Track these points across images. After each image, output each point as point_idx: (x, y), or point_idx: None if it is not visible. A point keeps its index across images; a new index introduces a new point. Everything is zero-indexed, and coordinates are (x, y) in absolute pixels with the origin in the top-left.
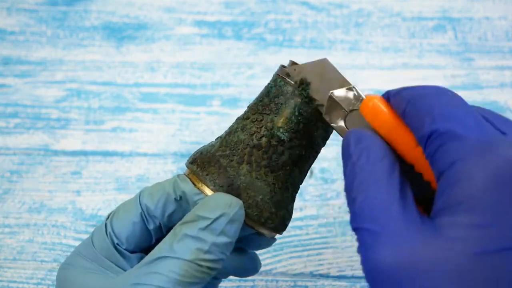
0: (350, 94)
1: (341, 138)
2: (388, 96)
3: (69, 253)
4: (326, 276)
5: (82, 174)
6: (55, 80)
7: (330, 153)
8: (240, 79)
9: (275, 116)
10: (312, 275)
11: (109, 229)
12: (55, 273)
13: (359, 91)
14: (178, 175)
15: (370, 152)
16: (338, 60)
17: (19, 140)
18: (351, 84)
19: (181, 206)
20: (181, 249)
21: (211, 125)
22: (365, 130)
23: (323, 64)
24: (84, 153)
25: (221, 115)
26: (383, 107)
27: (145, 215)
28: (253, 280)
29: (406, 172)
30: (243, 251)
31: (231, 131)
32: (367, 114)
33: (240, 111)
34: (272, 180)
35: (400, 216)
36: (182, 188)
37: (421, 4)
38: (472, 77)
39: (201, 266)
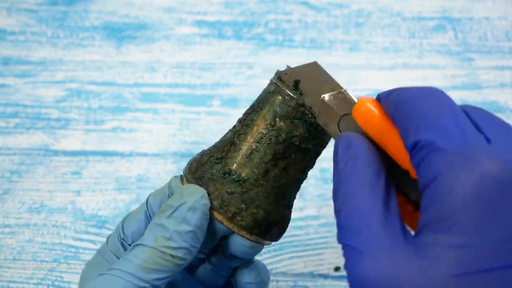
0: (342, 98)
1: None
2: (380, 99)
3: (69, 253)
4: (326, 276)
5: (82, 174)
6: (55, 80)
7: (330, 153)
8: (240, 79)
9: (255, 114)
10: (312, 275)
11: (119, 227)
12: (55, 273)
13: (350, 94)
14: (175, 176)
15: (356, 160)
16: (338, 60)
17: (19, 140)
18: (342, 88)
19: None
20: (148, 237)
21: (211, 125)
22: (355, 136)
23: (314, 68)
24: (84, 153)
25: (221, 115)
26: (375, 110)
27: (149, 213)
28: None
29: (400, 176)
30: (247, 265)
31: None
32: (359, 118)
33: (240, 111)
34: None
35: (383, 232)
36: (172, 185)
37: (421, 4)
38: (472, 77)
39: (163, 253)
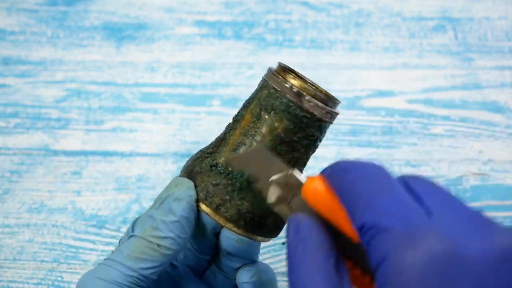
0: (290, 179)
1: (341, 138)
2: (327, 176)
3: (69, 253)
4: None
5: (82, 174)
6: (55, 80)
7: (330, 153)
8: (240, 79)
9: (244, 110)
10: None
11: (129, 228)
12: (55, 273)
13: (298, 175)
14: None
15: (305, 244)
16: (338, 60)
17: (19, 140)
18: (289, 169)
19: None
20: (138, 228)
21: (211, 125)
22: (303, 218)
23: (260, 152)
24: (84, 153)
25: (221, 115)
26: (322, 190)
27: None
28: None
29: (352, 247)
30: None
31: None
32: (309, 199)
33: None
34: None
35: None
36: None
37: (421, 4)
38: (472, 77)
39: (150, 242)
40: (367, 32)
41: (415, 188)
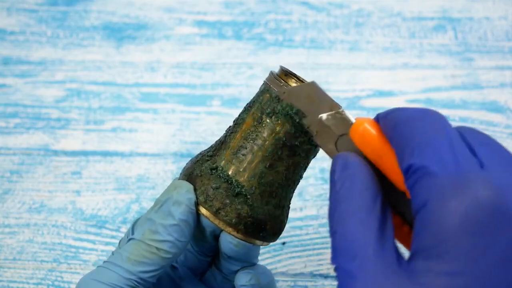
0: (340, 118)
1: None
2: (378, 119)
3: (69, 253)
4: (326, 276)
5: (82, 174)
6: (55, 80)
7: None
8: (240, 79)
9: (245, 113)
10: (312, 275)
11: (129, 230)
12: (55, 273)
13: (348, 114)
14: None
15: (353, 181)
16: (338, 60)
17: (19, 140)
18: (340, 107)
19: None
20: (137, 231)
21: (211, 125)
22: (351, 156)
23: (312, 87)
24: (84, 153)
25: (221, 115)
26: (372, 131)
27: None
28: None
29: (397, 197)
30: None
31: None
32: (357, 139)
33: (240, 111)
34: None
35: (376, 258)
36: None
37: (421, 4)
38: (472, 77)
39: (149, 245)
40: (367, 32)
41: (469, 139)
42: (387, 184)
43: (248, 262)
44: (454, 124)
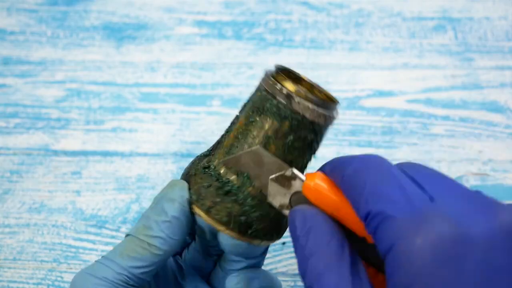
0: (289, 177)
1: (341, 138)
2: (326, 171)
3: (69, 253)
4: None
5: (82, 174)
6: (55, 80)
7: (330, 153)
8: (240, 79)
9: (241, 112)
10: None
11: None
12: (55, 273)
13: (297, 173)
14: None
15: (316, 234)
16: (338, 60)
17: (19, 140)
18: (288, 168)
19: None
20: (134, 227)
21: (211, 125)
22: (308, 208)
23: (258, 152)
24: (84, 153)
25: (221, 115)
26: (324, 186)
27: None
28: None
29: (359, 243)
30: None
31: None
32: (310, 196)
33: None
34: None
35: None
36: None
37: (421, 4)
38: (472, 77)
39: (142, 241)
40: (367, 32)
41: (413, 175)
42: (348, 233)
43: (249, 261)
44: (454, 124)
